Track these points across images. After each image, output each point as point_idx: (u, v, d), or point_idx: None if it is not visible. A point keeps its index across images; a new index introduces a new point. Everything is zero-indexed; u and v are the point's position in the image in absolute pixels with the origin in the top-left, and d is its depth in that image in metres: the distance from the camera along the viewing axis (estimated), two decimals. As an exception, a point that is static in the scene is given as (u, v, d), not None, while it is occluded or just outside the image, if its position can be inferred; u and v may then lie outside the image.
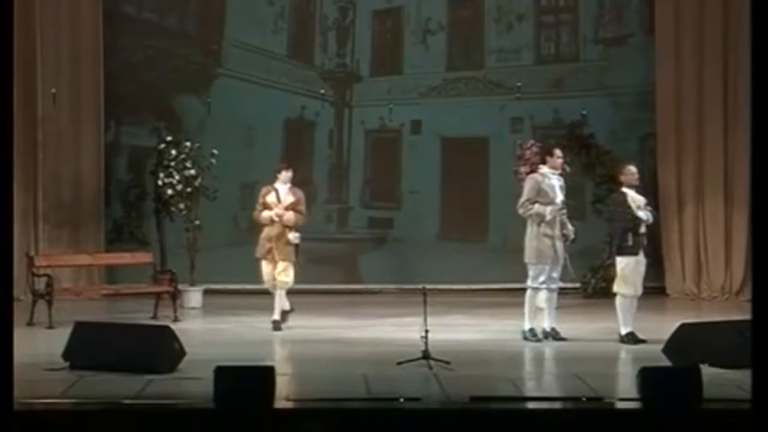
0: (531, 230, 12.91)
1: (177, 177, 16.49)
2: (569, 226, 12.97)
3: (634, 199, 12.80)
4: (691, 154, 17.28)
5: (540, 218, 12.83)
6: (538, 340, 12.82)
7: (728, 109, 17.05)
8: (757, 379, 6.95)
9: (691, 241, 17.27)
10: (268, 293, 13.97)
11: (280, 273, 13.73)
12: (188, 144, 16.71)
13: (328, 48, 18.52)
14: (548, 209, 12.83)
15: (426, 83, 18.36)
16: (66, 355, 11.05)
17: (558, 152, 13.16)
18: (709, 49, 17.14)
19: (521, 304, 13.09)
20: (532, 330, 12.91)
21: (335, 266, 18.18)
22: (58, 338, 11.65)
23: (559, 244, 12.89)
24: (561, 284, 13.13)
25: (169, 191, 16.51)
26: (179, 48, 18.30)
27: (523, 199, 12.96)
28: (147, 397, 9.60)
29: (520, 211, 12.96)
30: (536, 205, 12.85)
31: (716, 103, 17.15)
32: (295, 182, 14.06)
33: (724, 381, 9.87)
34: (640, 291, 12.76)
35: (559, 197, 12.98)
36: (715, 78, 17.12)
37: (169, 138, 16.88)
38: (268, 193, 13.87)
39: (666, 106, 17.39)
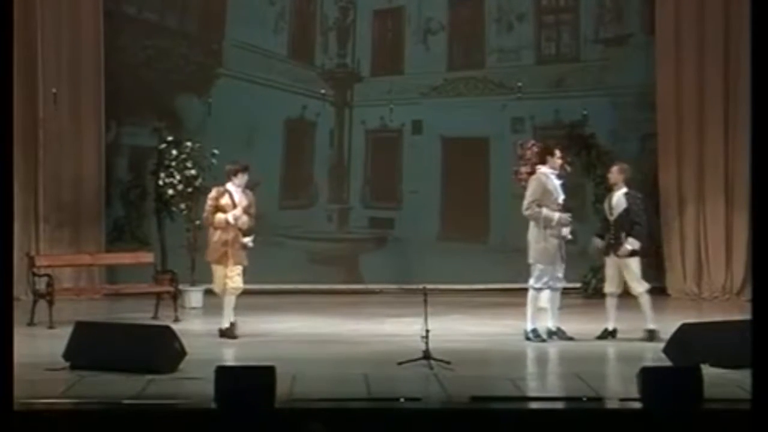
0: (537, 232, 12.85)
1: (178, 177, 16.51)
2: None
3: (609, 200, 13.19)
4: (692, 154, 17.27)
5: (547, 222, 12.80)
6: (542, 341, 12.79)
7: (729, 109, 17.03)
8: (757, 379, 6.94)
9: (692, 241, 17.26)
10: (266, 293, 13.93)
11: (232, 278, 13.30)
12: (189, 144, 16.74)
13: (328, 48, 18.52)
14: (556, 215, 12.79)
15: (427, 83, 18.35)
16: (66, 355, 11.05)
17: (558, 152, 13.16)
18: (710, 49, 17.13)
19: (522, 304, 13.08)
20: (534, 330, 12.88)
21: (336, 266, 18.17)
22: (59, 338, 11.66)
23: (563, 244, 12.90)
24: (565, 284, 13.13)
25: (170, 191, 16.53)
26: (180, 48, 18.30)
27: (529, 200, 12.90)
28: (147, 397, 9.61)
29: (527, 212, 12.88)
30: (545, 209, 12.78)
31: (717, 103, 17.13)
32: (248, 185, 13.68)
33: (724, 381, 9.87)
34: (612, 289, 13.00)
35: (561, 196, 12.99)
36: (716, 78, 17.11)
37: (169, 138, 16.91)
38: (221, 195, 13.40)
39: (666, 106, 17.37)
